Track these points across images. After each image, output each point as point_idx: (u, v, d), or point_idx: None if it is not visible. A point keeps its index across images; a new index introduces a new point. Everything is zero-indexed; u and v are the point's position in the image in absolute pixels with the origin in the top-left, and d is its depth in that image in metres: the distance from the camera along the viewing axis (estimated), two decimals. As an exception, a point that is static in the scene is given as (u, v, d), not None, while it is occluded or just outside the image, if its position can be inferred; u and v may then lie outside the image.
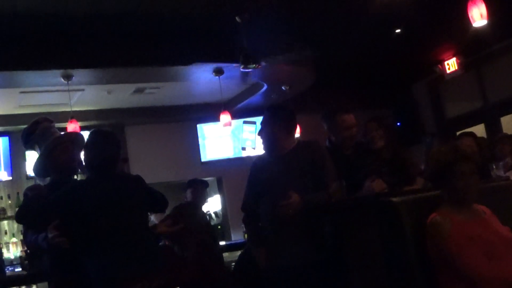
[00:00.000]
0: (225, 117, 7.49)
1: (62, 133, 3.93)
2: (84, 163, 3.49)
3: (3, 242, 7.54)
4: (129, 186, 3.48)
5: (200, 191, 6.10)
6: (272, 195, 3.59)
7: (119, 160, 3.58)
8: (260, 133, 3.82)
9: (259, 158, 3.93)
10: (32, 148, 3.72)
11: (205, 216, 6.77)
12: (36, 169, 3.66)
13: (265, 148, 3.82)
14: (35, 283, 5.47)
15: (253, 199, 3.80)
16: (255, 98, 8.45)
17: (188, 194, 6.05)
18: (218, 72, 7.08)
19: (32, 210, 3.37)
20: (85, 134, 3.71)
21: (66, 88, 6.64)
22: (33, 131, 3.65)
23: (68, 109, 6.91)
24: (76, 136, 3.84)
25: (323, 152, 3.77)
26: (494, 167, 4.87)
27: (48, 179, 3.67)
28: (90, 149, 3.44)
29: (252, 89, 8.36)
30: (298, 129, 8.12)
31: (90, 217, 3.21)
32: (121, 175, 3.76)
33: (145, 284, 3.11)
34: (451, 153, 3.00)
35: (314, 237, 3.61)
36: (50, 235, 3.06)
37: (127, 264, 3.16)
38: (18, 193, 7.62)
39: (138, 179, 3.56)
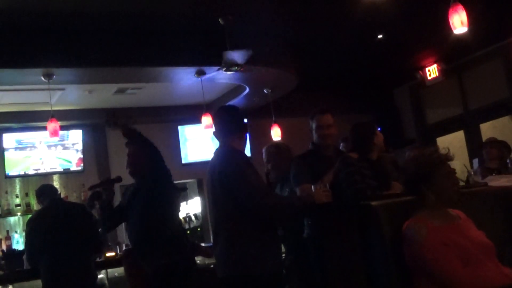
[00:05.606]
0: (206, 119, 7.46)
1: None
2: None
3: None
4: None
5: None
6: None
7: None
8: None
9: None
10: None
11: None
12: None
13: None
14: (11, 283, 5.39)
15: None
16: (237, 101, 8.44)
17: None
18: (200, 73, 7.07)
19: None
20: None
21: (46, 87, 6.58)
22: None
23: (48, 108, 6.83)
24: None
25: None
26: (472, 173, 4.90)
27: None
28: None
29: (234, 92, 8.36)
30: (279, 132, 8.27)
31: None
32: None
33: None
34: (435, 155, 3.05)
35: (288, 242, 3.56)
36: None
37: None
38: (-4, 192, 7.53)
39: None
